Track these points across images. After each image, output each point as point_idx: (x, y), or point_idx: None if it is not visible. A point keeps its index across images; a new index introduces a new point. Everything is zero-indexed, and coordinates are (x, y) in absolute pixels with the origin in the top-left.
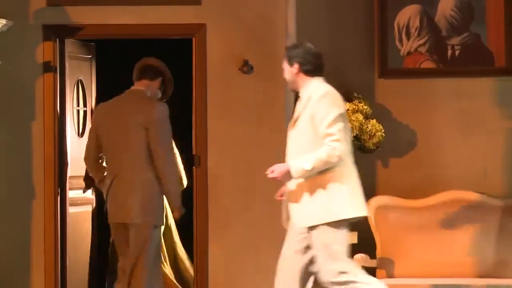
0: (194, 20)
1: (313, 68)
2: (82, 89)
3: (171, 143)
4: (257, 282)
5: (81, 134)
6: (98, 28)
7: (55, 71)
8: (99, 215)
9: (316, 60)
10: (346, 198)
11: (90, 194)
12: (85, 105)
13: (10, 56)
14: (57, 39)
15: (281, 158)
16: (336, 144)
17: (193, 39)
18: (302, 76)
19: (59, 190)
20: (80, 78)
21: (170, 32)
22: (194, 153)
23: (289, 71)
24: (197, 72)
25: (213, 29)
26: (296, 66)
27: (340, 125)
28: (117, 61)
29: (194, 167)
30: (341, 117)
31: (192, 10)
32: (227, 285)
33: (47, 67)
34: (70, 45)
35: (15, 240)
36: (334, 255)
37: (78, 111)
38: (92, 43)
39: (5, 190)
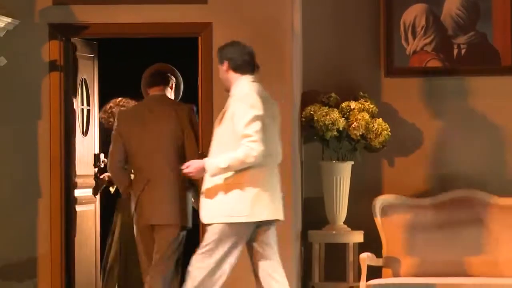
0: (200, 19)
1: (241, 65)
2: (86, 88)
3: None
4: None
5: (85, 133)
6: (104, 27)
7: (61, 70)
8: (102, 215)
9: (245, 57)
10: (247, 202)
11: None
12: (88, 104)
13: (16, 54)
14: (63, 38)
15: (286, 157)
16: (253, 145)
17: (199, 38)
18: (231, 73)
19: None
20: (84, 77)
21: (176, 31)
22: (200, 152)
23: (220, 69)
24: (203, 71)
25: (219, 28)
26: (225, 64)
27: (257, 126)
28: (117, 60)
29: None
30: (258, 118)
31: (198, 9)
32: (232, 284)
33: (53, 66)
34: (75, 44)
35: (22, 239)
36: (211, 252)
37: (82, 109)
38: (95, 42)
39: (12, 189)
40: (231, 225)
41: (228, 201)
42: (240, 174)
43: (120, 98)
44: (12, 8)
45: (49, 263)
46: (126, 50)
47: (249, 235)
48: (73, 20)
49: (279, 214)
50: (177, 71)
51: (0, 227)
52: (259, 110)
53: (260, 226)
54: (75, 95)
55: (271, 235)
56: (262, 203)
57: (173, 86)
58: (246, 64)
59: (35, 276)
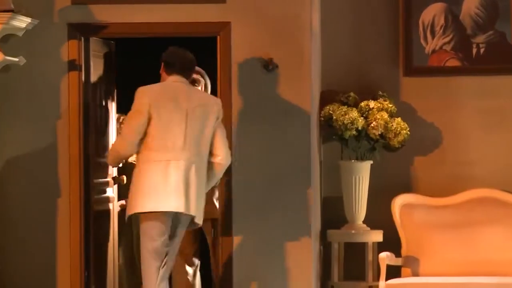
0: (218, 18)
1: (171, 66)
2: (104, 87)
3: None
4: (282, 281)
5: (102, 132)
6: (122, 26)
7: (80, 69)
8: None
9: (174, 59)
10: (137, 194)
11: (111, 192)
12: (106, 103)
13: (35, 54)
14: (82, 38)
15: (305, 156)
16: (116, 139)
17: (218, 37)
18: (164, 73)
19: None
20: (102, 75)
21: (194, 30)
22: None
23: None
24: (222, 70)
25: (237, 27)
26: (162, 64)
27: (129, 121)
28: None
29: None
30: (135, 113)
31: (216, 8)
32: (252, 284)
33: (72, 65)
34: (93, 43)
35: (41, 239)
36: None
37: (100, 108)
38: (112, 41)
39: (31, 189)
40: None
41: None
42: (137, 166)
43: (118, 115)
44: (31, 8)
45: (68, 263)
46: (142, 49)
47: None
48: (92, 19)
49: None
50: (205, 73)
51: (19, 226)
52: (139, 106)
53: None
54: (94, 94)
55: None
56: (147, 196)
57: (203, 87)
58: (174, 66)
59: (54, 276)
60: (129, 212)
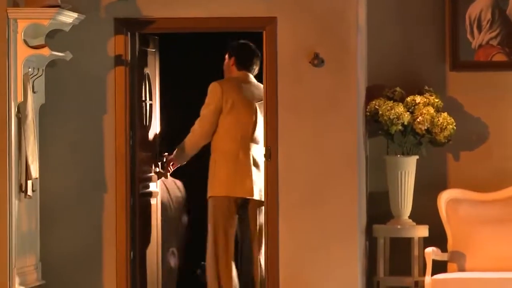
0: (264, 14)
1: (242, 62)
2: (148, 83)
3: None
4: (328, 276)
5: (147, 127)
6: (168, 21)
7: (126, 65)
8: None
9: (247, 56)
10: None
11: (155, 187)
12: (150, 98)
13: (82, 49)
14: (128, 33)
15: (351, 151)
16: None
17: (264, 32)
18: (233, 67)
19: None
20: (147, 71)
21: (240, 25)
22: (265, 146)
23: None
24: (268, 65)
25: (283, 22)
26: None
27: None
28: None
29: (265, 160)
30: (209, 106)
31: (262, 3)
32: (298, 278)
33: (119, 61)
34: (138, 38)
35: (87, 233)
36: None
37: (145, 104)
38: (156, 37)
39: (77, 183)
40: None
41: None
42: None
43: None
44: (77, 3)
45: (114, 256)
46: (185, 44)
47: None
48: (137, 15)
49: None
50: None
51: (66, 221)
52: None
53: None
54: (139, 89)
55: None
56: None
57: None
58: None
59: (101, 269)
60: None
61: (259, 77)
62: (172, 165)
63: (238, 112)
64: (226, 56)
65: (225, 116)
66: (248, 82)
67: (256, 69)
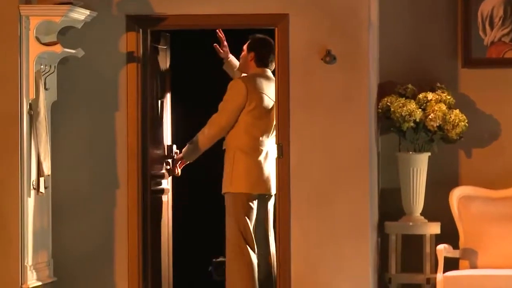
0: (276, 10)
1: (263, 59)
2: (160, 79)
3: None
4: (340, 272)
5: (159, 125)
6: (180, 18)
7: (138, 62)
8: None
9: (267, 53)
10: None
11: (166, 184)
12: (162, 95)
13: (93, 46)
14: (140, 30)
15: (363, 148)
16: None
17: (276, 29)
18: (252, 63)
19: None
20: (159, 68)
21: (252, 22)
22: (276, 143)
23: None
24: (280, 62)
25: (295, 19)
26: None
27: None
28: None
29: (276, 157)
30: (230, 103)
31: (274, 0)
32: (310, 274)
33: (130, 58)
34: (150, 35)
35: (99, 229)
36: None
37: (156, 101)
38: (167, 33)
39: (89, 180)
40: None
41: None
42: None
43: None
44: (89, 1)
45: (126, 253)
46: (197, 41)
47: None
48: (149, 11)
49: None
50: None
51: (78, 217)
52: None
53: None
54: (151, 86)
55: None
56: None
57: None
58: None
59: (112, 266)
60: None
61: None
62: (180, 163)
63: (260, 110)
64: (244, 49)
65: (246, 114)
66: (268, 78)
67: (273, 65)
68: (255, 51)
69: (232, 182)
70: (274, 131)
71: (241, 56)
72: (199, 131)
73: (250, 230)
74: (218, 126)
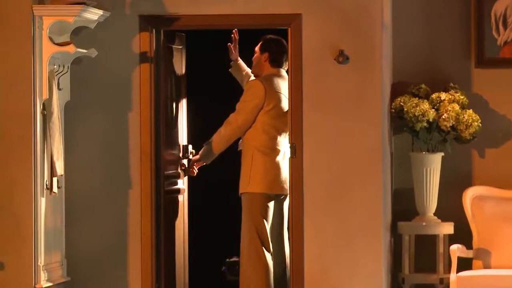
0: (289, 10)
1: (277, 60)
2: (174, 79)
3: None
4: (353, 272)
5: (173, 125)
6: (194, 18)
7: (152, 62)
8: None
9: (282, 54)
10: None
11: (181, 184)
12: (176, 95)
13: (106, 46)
14: (153, 30)
15: (376, 148)
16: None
17: (288, 29)
18: (266, 64)
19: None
20: (173, 68)
21: (265, 22)
22: (290, 143)
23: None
24: (293, 62)
25: (308, 19)
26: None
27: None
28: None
29: (290, 157)
30: (250, 103)
31: (287, 0)
32: (323, 274)
33: (143, 58)
34: (163, 35)
35: (112, 229)
36: None
37: (171, 101)
38: (183, 33)
39: (102, 180)
40: None
41: None
42: None
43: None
44: (102, 1)
45: (139, 253)
46: (211, 41)
47: None
48: (163, 11)
49: None
50: None
51: (92, 217)
52: None
53: None
54: (165, 86)
55: None
56: None
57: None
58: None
59: (126, 266)
60: None
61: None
62: (196, 164)
63: (277, 111)
64: (257, 49)
65: (264, 114)
66: (284, 78)
67: (287, 65)
68: (269, 51)
69: (250, 182)
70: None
71: (253, 58)
72: (216, 132)
73: (266, 231)
74: (236, 126)
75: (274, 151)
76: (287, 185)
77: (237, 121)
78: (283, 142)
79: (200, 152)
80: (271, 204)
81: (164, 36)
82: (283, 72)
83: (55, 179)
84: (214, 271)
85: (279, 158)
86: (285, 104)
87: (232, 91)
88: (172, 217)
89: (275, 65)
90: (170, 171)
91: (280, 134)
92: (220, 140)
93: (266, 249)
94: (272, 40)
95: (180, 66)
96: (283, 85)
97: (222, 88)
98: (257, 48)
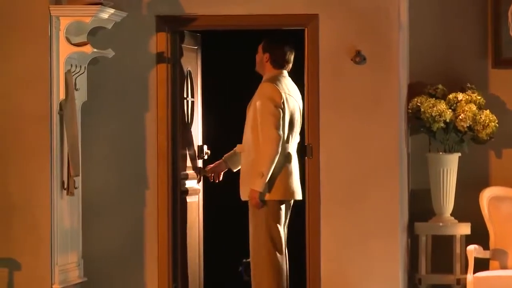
0: (306, 11)
1: (280, 62)
2: (190, 80)
3: None
4: (370, 273)
5: (189, 125)
6: (210, 19)
7: (168, 62)
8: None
9: (284, 56)
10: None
11: (196, 184)
12: (192, 96)
13: (123, 47)
14: (170, 30)
15: (393, 149)
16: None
17: (305, 30)
18: (269, 65)
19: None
20: (188, 69)
21: (282, 23)
22: (306, 143)
23: None
24: (309, 63)
25: (325, 20)
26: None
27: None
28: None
29: (306, 157)
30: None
31: (304, 1)
32: (340, 275)
33: (160, 58)
34: (180, 36)
35: (129, 230)
36: None
37: (187, 101)
38: (198, 34)
39: (119, 180)
40: None
41: None
42: None
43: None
44: (119, 1)
45: (156, 253)
46: (227, 42)
47: None
48: (180, 12)
49: None
50: None
51: (108, 218)
52: None
53: None
54: (181, 87)
55: None
56: None
57: None
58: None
59: (142, 266)
60: None
61: (300, 74)
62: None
63: (290, 114)
64: (260, 49)
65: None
66: (288, 80)
67: (289, 66)
68: (270, 52)
69: (269, 190)
70: (296, 134)
71: (256, 56)
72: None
73: (280, 235)
74: (277, 136)
75: (287, 157)
76: (299, 189)
77: (277, 131)
78: (293, 146)
79: (257, 185)
80: (283, 207)
81: (180, 36)
82: (285, 73)
83: (72, 180)
84: (230, 272)
85: (292, 164)
86: (293, 106)
87: (247, 91)
88: (188, 217)
89: (277, 66)
90: (186, 172)
91: (288, 138)
92: (271, 157)
93: (278, 252)
94: (272, 41)
95: (195, 66)
96: (291, 87)
97: (238, 88)
98: (259, 47)
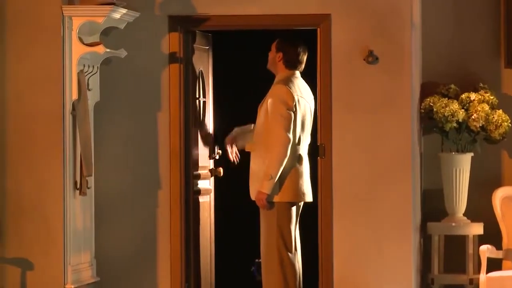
0: (318, 11)
1: (293, 63)
2: (202, 80)
3: None
4: (382, 273)
5: (201, 125)
6: (223, 19)
7: (181, 62)
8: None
9: (297, 56)
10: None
11: (208, 184)
12: (204, 96)
13: (136, 47)
14: (183, 30)
15: (406, 148)
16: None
17: (318, 29)
18: (281, 65)
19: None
20: (200, 69)
21: (294, 23)
22: (318, 143)
23: None
24: (322, 62)
25: (337, 20)
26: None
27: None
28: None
29: (318, 157)
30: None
31: (316, 1)
32: (352, 275)
33: (173, 58)
34: (192, 36)
35: (141, 229)
36: None
37: (199, 101)
38: (209, 34)
39: (132, 181)
40: None
41: None
42: None
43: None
44: (132, 1)
45: (169, 253)
46: (238, 42)
47: None
48: (192, 12)
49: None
50: None
51: (121, 218)
52: None
53: None
54: (193, 87)
55: None
56: None
57: None
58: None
59: (155, 266)
60: None
61: (313, 74)
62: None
63: (301, 116)
64: (273, 47)
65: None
66: (300, 80)
67: (302, 67)
68: (283, 51)
69: (279, 192)
70: (307, 136)
71: (269, 54)
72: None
73: (291, 235)
74: (286, 137)
75: (299, 159)
76: (309, 191)
77: (287, 131)
78: (304, 148)
79: (266, 187)
80: (294, 209)
81: (192, 36)
82: (298, 74)
83: (84, 180)
84: (241, 272)
85: (302, 165)
86: (305, 108)
87: (258, 91)
88: (200, 217)
89: (289, 67)
90: (198, 171)
91: (299, 140)
92: (281, 157)
93: (289, 252)
94: (286, 41)
95: (207, 66)
96: (306, 90)
97: (250, 88)
98: (273, 46)
